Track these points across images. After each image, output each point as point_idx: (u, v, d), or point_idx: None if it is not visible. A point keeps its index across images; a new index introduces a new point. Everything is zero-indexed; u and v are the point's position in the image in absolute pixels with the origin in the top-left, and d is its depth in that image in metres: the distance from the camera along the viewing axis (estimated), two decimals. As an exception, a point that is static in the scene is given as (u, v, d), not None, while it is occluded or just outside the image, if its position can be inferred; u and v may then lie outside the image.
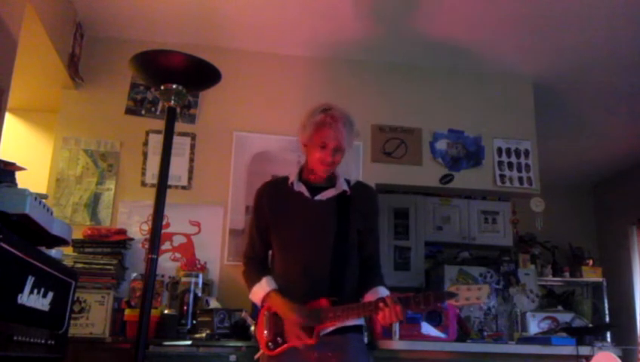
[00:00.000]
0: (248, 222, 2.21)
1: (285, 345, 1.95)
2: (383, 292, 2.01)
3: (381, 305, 1.84)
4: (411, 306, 1.86)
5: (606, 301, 5.68)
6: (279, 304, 1.98)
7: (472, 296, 1.81)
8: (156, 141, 3.61)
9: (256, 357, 2.05)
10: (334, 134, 2.02)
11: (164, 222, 2.65)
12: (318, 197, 2.08)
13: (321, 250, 2.02)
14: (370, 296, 1.99)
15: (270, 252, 2.17)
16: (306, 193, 2.09)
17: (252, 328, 2.97)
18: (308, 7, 3.44)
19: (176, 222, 3.54)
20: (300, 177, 2.13)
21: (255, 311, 3.17)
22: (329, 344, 1.94)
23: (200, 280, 3.20)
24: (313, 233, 2.05)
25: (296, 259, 2.04)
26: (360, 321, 2.06)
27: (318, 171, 2.09)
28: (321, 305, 1.93)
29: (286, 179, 2.15)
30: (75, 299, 2.41)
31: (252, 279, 2.09)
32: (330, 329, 1.95)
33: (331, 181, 2.12)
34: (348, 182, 2.15)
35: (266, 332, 2.00)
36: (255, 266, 2.13)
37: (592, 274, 5.71)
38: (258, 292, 2.04)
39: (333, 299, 1.94)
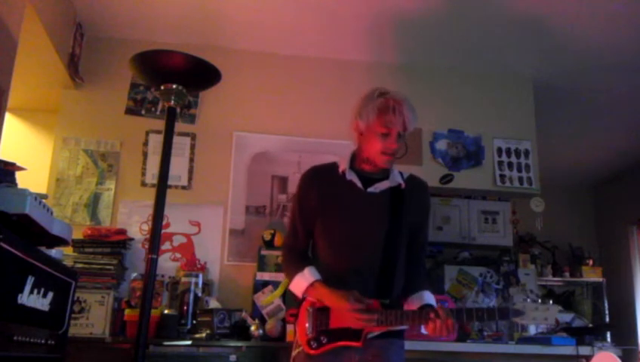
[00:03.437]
0: (291, 209, 2.03)
1: (329, 345, 1.82)
2: (428, 297, 1.90)
3: (432, 315, 1.73)
4: (463, 321, 1.76)
5: (606, 301, 5.68)
6: (327, 293, 1.82)
7: (540, 316, 1.72)
8: (156, 141, 3.61)
9: (294, 354, 1.90)
10: (400, 119, 1.85)
11: (164, 222, 2.66)
12: (370, 189, 1.92)
13: (372, 246, 1.88)
14: (414, 301, 1.89)
15: (311, 242, 2.01)
16: (359, 183, 1.92)
17: (252, 328, 2.98)
18: (308, 7, 3.44)
19: (176, 222, 3.54)
20: (352, 166, 1.96)
21: (256, 311, 3.18)
22: (371, 348, 1.82)
23: (200, 280, 3.20)
24: (364, 227, 1.89)
25: (343, 255, 1.89)
26: (403, 326, 1.91)
27: (378, 162, 1.91)
28: (372, 306, 1.80)
29: (334, 165, 1.98)
30: (75, 299, 2.41)
31: (293, 269, 1.92)
32: (377, 332, 1.82)
33: (384, 172, 1.95)
34: (400, 174, 1.99)
35: (309, 329, 1.85)
36: (296, 256, 1.97)
37: (592, 274, 5.70)
38: (300, 283, 1.88)
39: (384, 301, 1.82)
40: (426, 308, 1.84)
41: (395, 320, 1.77)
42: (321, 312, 1.85)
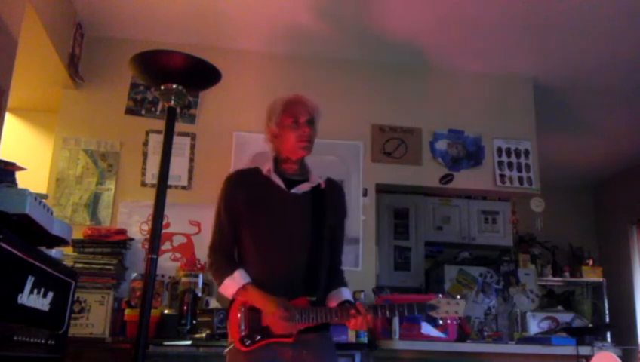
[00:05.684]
0: (217, 212, 2.12)
1: (263, 341, 1.89)
2: (345, 293, 2.02)
3: (353, 312, 1.87)
4: (381, 315, 1.92)
5: (606, 301, 5.68)
6: (258, 296, 1.91)
7: (451, 309, 1.91)
8: (156, 141, 3.61)
9: (225, 351, 1.97)
10: (303, 107, 2.02)
11: (164, 222, 2.65)
12: (294, 191, 2.02)
13: (297, 245, 1.97)
14: (333, 297, 2.00)
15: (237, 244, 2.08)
16: (282, 185, 2.02)
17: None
18: (308, 7, 3.44)
19: (176, 222, 3.54)
20: (275, 169, 2.05)
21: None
22: (303, 342, 1.90)
23: (200, 280, 3.20)
24: (289, 227, 1.99)
25: (271, 254, 1.97)
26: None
27: (297, 153, 2.03)
28: (300, 304, 1.90)
29: (257, 170, 2.08)
30: (75, 299, 2.42)
31: (223, 272, 1.98)
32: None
33: (304, 174, 2.07)
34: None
35: (242, 327, 1.92)
36: (224, 259, 2.03)
37: (592, 274, 5.71)
38: (230, 286, 1.95)
39: (312, 298, 1.92)
40: (345, 304, 1.96)
41: (323, 316, 1.88)
42: (253, 311, 1.92)
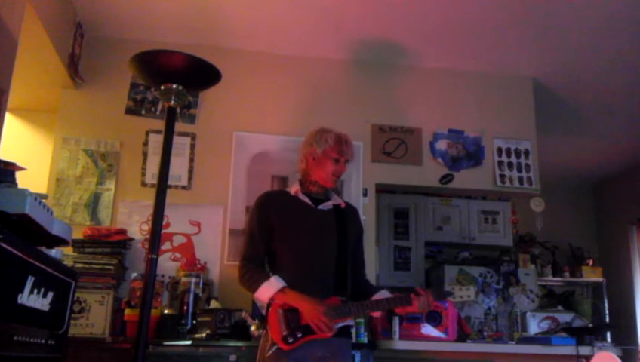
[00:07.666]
0: (248, 227, 2.34)
1: (304, 339, 2.06)
2: (386, 294, 2.31)
3: (413, 296, 2.15)
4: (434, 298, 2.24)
5: (606, 301, 5.68)
6: (297, 297, 2.11)
7: (464, 294, 2.40)
8: (156, 141, 3.61)
9: (268, 354, 2.08)
10: (350, 150, 2.34)
11: (164, 222, 2.66)
12: (321, 207, 2.32)
13: (328, 252, 2.24)
14: (380, 296, 2.26)
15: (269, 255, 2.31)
16: (310, 203, 2.31)
17: (252, 328, 2.98)
18: (308, 7, 3.44)
19: (176, 222, 3.54)
20: (301, 190, 2.35)
21: (256, 311, 3.18)
22: (329, 345, 2.12)
23: (200, 280, 3.20)
24: (321, 237, 2.26)
25: (307, 261, 2.21)
26: (351, 322, 2.31)
27: (327, 182, 2.32)
28: (333, 302, 2.13)
29: (284, 191, 2.41)
30: (75, 299, 2.41)
31: (258, 278, 2.17)
32: (339, 326, 2.13)
33: (326, 193, 2.38)
34: (336, 196, 2.43)
35: (283, 327, 2.09)
36: (257, 268, 2.23)
37: (592, 274, 5.71)
38: (267, 290, 2.13)
39: (342, 298, 2.17)
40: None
41: (364, 308, 2.17)
42: (291, 312, 2.11)
